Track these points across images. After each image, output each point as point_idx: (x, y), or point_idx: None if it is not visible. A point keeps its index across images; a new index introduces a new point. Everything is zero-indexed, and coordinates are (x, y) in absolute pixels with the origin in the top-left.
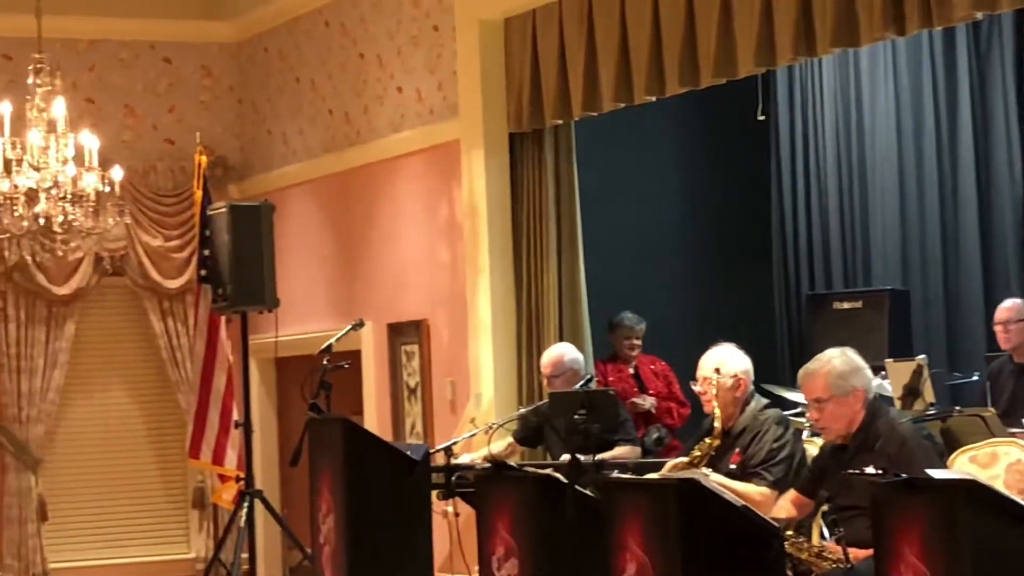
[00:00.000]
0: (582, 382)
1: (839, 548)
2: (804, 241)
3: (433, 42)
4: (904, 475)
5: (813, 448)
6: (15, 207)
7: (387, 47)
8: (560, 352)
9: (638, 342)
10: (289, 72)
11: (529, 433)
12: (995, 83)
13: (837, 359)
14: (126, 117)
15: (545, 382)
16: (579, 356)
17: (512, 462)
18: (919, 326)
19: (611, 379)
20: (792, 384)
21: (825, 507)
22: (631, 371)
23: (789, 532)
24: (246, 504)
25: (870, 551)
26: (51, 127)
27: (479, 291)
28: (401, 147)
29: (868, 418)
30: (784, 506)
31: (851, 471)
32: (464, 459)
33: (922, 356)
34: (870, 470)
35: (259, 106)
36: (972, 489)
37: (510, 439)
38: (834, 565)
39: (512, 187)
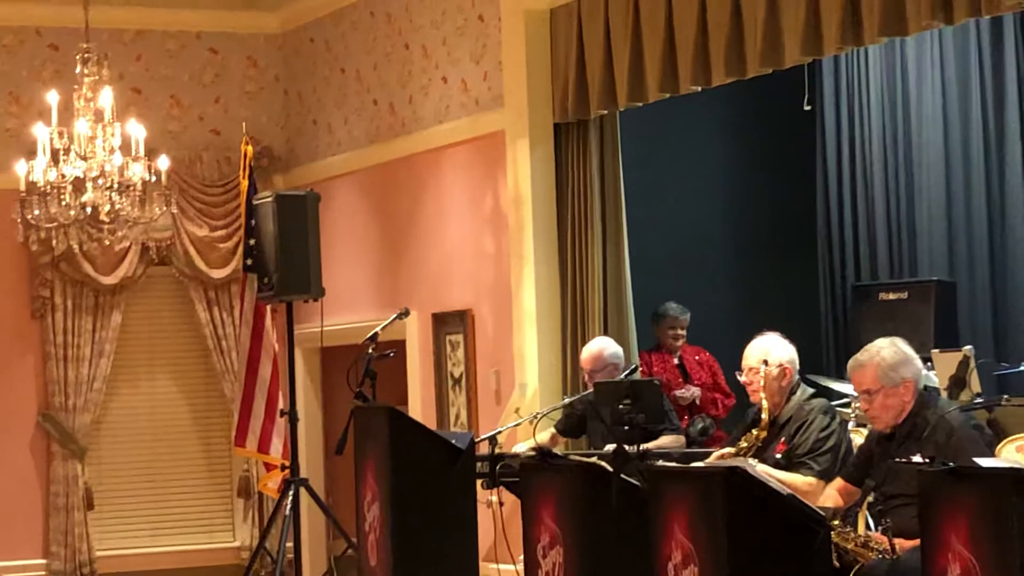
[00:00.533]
0: (627, 372)
1: (885, 538)
2: (850, 232)
3: (478, 32)
4: (951, 464)
5: (859, 438)
6: (62, 196)
7: (432, 37)
8: (600, 347)
9: (682, 332)
10: (334, 63)
11: (572, 423)
12: None
13: (887, 350)
14: (172, 107)
15: (586, 377)
16: (619, 350)
17: (556, 451)
18: (965, 317)
19: (655, 369)
20: (838, 375)
21: (871, 497)
22: (676, 361)
23: (835, 522)
24: (291, 492)
25: (916, 541)
26: (98, 116)
27: (524, 281)
28: (446, 137)
29: (917, 407)
30: (831, 495)
31: (898, 459)
32: (520, 448)
33: (968, 347)
34: (917, 459)
35: (304, 97)
36: (1019, 478)
37: (552, 430)
38: (880, 555)
39: (557, 177)
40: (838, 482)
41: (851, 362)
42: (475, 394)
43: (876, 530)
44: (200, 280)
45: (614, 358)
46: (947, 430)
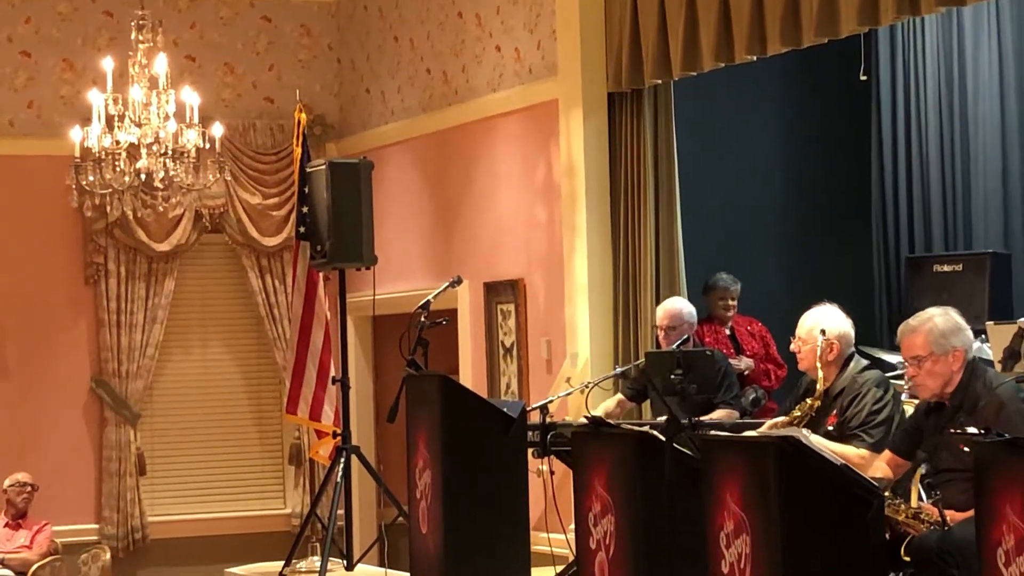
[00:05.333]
0: (679, 342)
1: (935, 510)
2: (904, 203)
3: (532, 1)
4: (1006, 435)
5: (912, 410)
6: (117, 162)
7: (486, 6)
8: (679, 306)
9: (733, 303)
10: (388, 31)
11: (639, 389)
12: None
13: (939, 318)
14: (226, 75)
15: (661, 335)
16: (694, 310)
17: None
18: (1020, 289)
19: (707, 340)
20: (891, 347)
21: (923, 469)
22: (727, 332)
23: (887, 494)
24: (342, 460)
25: (967, 513)
26: (153, 83)
27: (576, 251)
28: (499, 106)
29: (966, 379)
30: (880, 466)
31: (953, 431)
32: (598, 411)
33: (1023, 319)
34: (972, 430)
35: (358, 65)
36: None
37: (620, 396)
38: (931, 527)
39: (610, 147)
40: (887, 454)
41: (902, 327)
42: (526, 363)
43: (927, 502)
44: (253, 247)
45: (690, 317)
46: (997, 405)
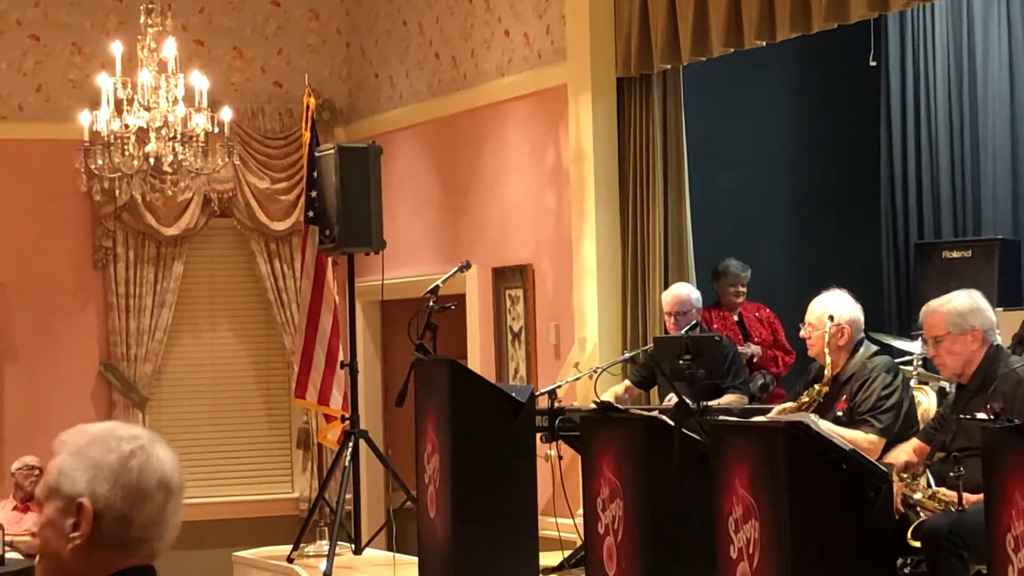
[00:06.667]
0: (688, 327)
1: (953, 493)
2: (913, 189)
3: None
4: (1016, 420)
5: (921, 395)
6: (126, 146)
7: None
8: (686, 291)
9: (743, 289)
10: (396, 15)
11: (647, 375)
12: None
13: (959, 299)
14: (235, 59)
15: (669, 320)
16: (700, 295)
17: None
18: None
19: (715, 327)
20: (900, 333)
21: (940, 453)
22: (735, 318)
23: (904, 474)
24: (351, 444)
25: (981, 497)
26: (162, 67)
27: (584, 236)
28: (508, 91)
29: (987, 361)
30: (906, 449)
31: (963, 416)
32: (607, 395)
33: None
34: (982, 415)
35: (366, 49)
36: None
37: (627, 382)
38: (946, 507)
39: (619, 132)
40: (915, 442)
41: (924, 308)
42: (534, 348)
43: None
44: (261, 232)
45: (697, 303)
46: (1015, 380)
